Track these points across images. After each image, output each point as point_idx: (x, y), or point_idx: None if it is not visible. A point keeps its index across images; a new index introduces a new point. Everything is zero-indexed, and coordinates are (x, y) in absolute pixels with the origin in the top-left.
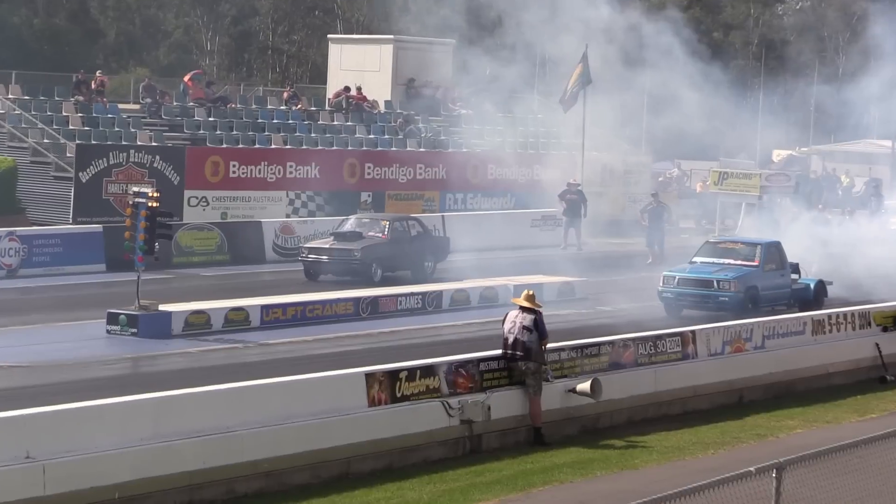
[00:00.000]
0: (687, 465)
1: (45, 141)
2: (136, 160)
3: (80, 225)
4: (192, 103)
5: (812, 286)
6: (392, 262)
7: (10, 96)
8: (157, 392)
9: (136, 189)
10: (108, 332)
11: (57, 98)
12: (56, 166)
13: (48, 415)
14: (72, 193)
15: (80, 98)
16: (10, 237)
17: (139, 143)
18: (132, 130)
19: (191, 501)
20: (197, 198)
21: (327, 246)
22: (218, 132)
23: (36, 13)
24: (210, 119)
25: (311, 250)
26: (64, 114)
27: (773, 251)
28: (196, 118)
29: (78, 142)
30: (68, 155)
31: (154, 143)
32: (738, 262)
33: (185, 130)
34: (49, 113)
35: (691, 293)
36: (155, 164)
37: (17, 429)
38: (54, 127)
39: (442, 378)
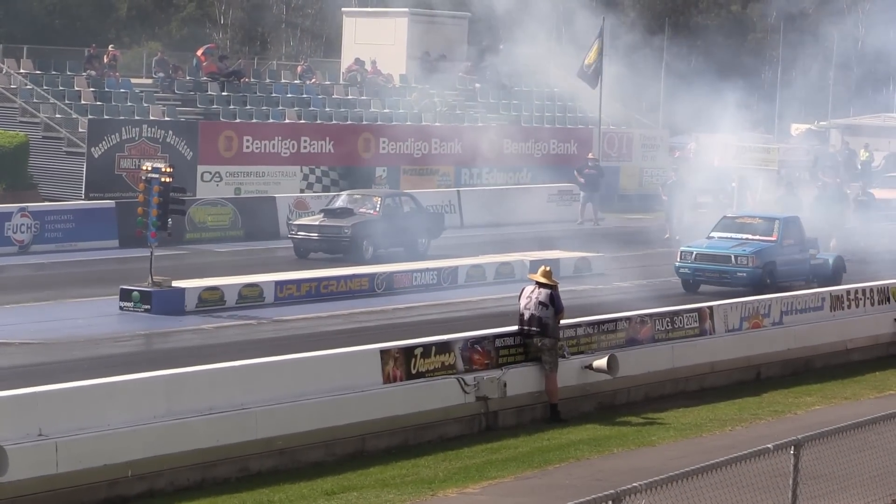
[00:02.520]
0: (704, 442)
1: (58, 116)
2: (149, 135)
3: (92, 201)
4: (205, 77)
5: (831, 262)
6: (384, 238)
7: (21, 71)
8: (170, 369)
9: (148, 164)
10: (121, 308)
11: (69, 73)
12: (68, 141)
13: (61, 392)
14: (84, 169)
15: (93, 72)
16: (22, 213)
17: (152, 117)
18: (145, 105)
19: (204, 479)
20: (210, 173)
21: (317, 223)
22: (231, 107)
23: None
24: (223, 94)
25: (301, 227)
26: (76, 88)
27: (792, 226)
28: (209, 93)
29: (90, 117)
30: (80, 130)
31: (167, 118)
32: (756, 237)
33: (199, 105)
34: (61, 88)
35: (709, 268)
36: (168, 139)
37: (29, 406)
38: (66, 102)
39: (457, 354)
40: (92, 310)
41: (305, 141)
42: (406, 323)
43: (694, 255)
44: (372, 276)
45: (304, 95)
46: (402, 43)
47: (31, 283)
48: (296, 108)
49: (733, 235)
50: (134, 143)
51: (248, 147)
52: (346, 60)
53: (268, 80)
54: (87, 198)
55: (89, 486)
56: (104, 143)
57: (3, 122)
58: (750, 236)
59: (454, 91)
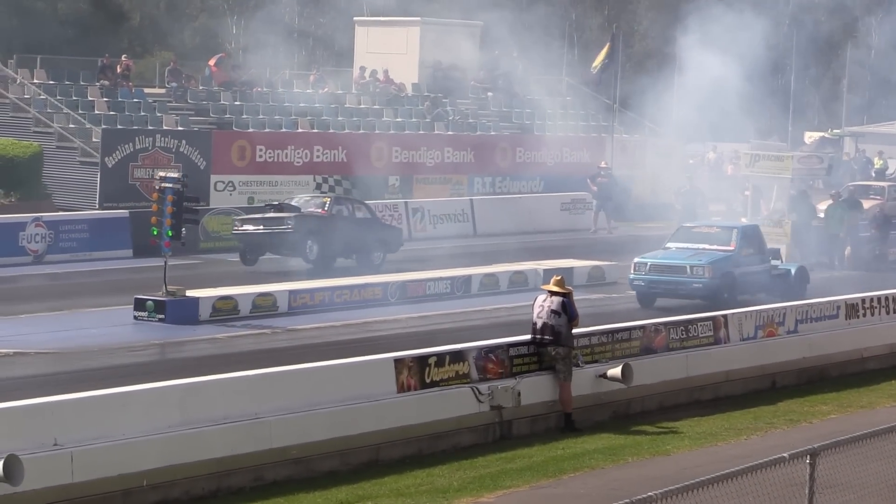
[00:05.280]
0: (719, 451)
1: (71, 126)
2: (163, 145)
3: (106, 210)
4: (217, 87)
5: (793, 272)
6: (332, 241)
7: (35, 81)
8: (185, 378)
9: (162, 174)
10: (135, 318)
11: (82, 83)
12: (82, 151)
13: (75, 402)
14: (98, 179)
15: (106, 83)
16: (36, 223)
17: (165, 127)
18: (158, 115)
19: (219, 489)
20: (224, 182)
21: (261, 216)
22: (244, 116)
23: None
24: (236, 103)
25: (245, 221)
26: (89, 98)
27: (751, 235)
28: (222, 102)
29: (104, 127)
30: (94, 140)
31: (180, 128)
32: (714, 246)
33: (212, 114)
34: (74, 98)
35: (663, 280)
36: (181, 149)
37: (44, 416)
38: (80, 112)
39: (471, 363)
40: (106, 319)
41: (318, 150)
42: (419, 332)
43: (648, 267)
44: (385, 285)
45: (317, 105)
46: (414, 51)
47: (45, 293)
48: (308, 118)
49: (690, 246)
50: (147, 153)
51: (261, 156)
52: (358, 69)
53: (280, 90)
54: (101, 207)
55: (104, 496)
56: (118, 152)
57: (17, 132)
58: (707, 246)
59: (466, 100)
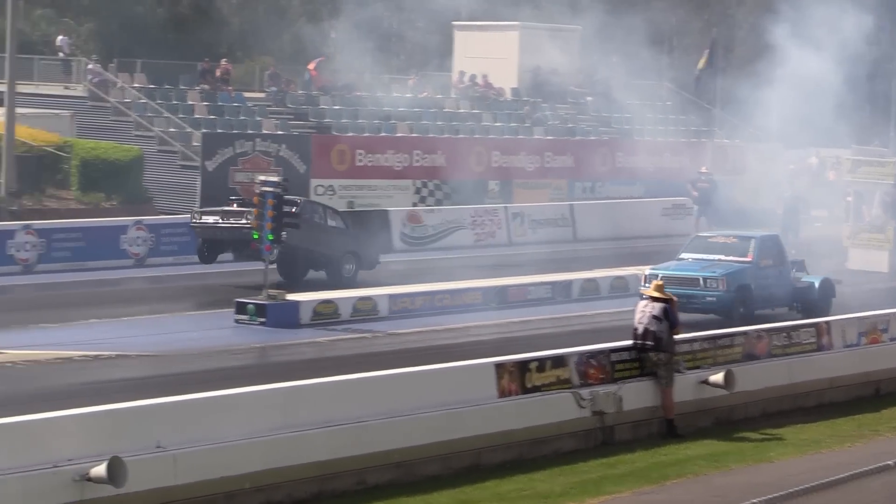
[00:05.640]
0: (823, 458)
1: (171, 130)
2: (262, 149)
3: None
4: (316, 91)
5: (817, 285)
6: (294, 244)
7: (136, 85)
8: (287, 382)
9: (262, 178)
10: (236, 321)
11: (182, 87)
12: (182, 155)
13: (179, 404)
14: (198, 182)
15: (206, 87)
16: (137, 226)
17: (265, 131)
18: (258, 119)
19: (321, 492)
20: (323, 186)
21: (223, 209)
22: (343, 120)
23: (160, 2)
24: (335, 107)
25: (204, 213)
26: (189, 102)
27: (770, 245)
28: (321, 106)
29: (204, 130)
30: (194, 144)
31: (280, 132)
32: (730, 257)
33: (311, 118)
34: (175, 102)
35: (676, 293)
36: (281, 153)
37: (148, 418)
38: (180, 116)
39: (573, 369)
40: (208, 322)
41: (417, 154)
42: (520, 337)
43: (659, 279)
44: (486, 290)
45: (416, 109)
46: (513, 56)
47: (147, 296)
48: (408, 122)
49: (705, 256)
50: (247, 157)
51: (360, 160)
52: (457, 74)
53: (379, 94)
54: None
55: (207, 498)
56: (218, 156)
57: (118, 136)
58: (723, 257)
59: (566, 104)
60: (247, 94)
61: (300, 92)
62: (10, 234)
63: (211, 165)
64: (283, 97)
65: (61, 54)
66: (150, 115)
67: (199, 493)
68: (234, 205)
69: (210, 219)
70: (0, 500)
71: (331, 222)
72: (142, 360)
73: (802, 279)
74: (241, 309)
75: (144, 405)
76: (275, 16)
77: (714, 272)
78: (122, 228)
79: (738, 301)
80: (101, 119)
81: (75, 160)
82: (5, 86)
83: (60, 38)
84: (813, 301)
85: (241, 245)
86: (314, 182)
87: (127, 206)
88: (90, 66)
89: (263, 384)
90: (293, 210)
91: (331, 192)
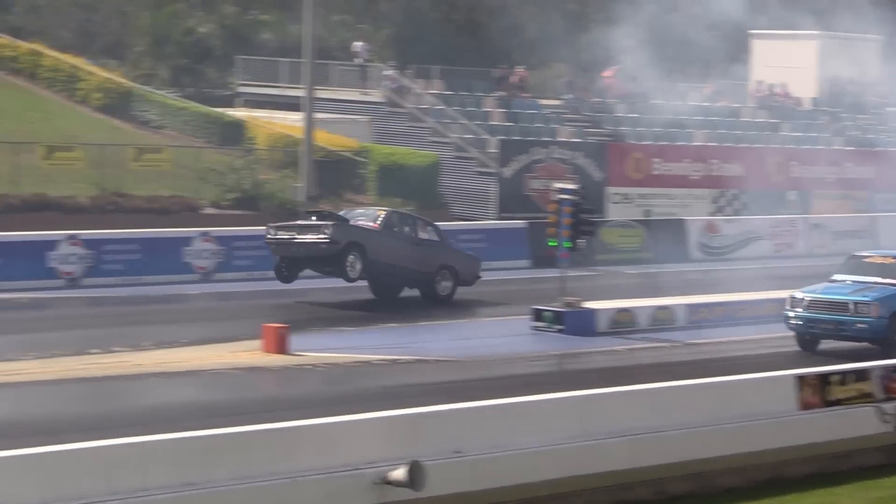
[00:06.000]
0: None
1: (467, 136)
2: (558, 156)
3: (503, 220)
4: (612, 99)
5: None
6: (379, 259)
7: (432, 91)
8: (584, 390)
9: (559, 185)
10: (533, 328)
11: (478, 93)
12: (479, 161)
13: (478, 410)
14: (494, 188)
15: (502, 93)
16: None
17: (560, 139)
18: (553, 126)
19: (619, 501)
20: (619, 195)
21: (298, 223)
22: (639, 128)
23: (456, 8)
24: (631, 115)
25: (279, 228)
26: (485, 109)
27: None
28: (617, 114)
29: (500, 137)
30: (490, 150)
31: (575, 139)
32: (887, 280)
33: (606, 126)
34: (470, 108)
35: (823, 318)
36: (576, 160)
37: (447, 423)
38: (476, 122)
39: (876, 382)
40: (505, 329)
41: (714, 163)
42: (818, 349)
43: (806, 303)
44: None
45: (713, 118)
46: (812, 66)
47: (451, 302)
48: (704, 131)
49: (860, 279)
50: (543, 164)
51: (656, 169)
52: (755, 83)
53: (676, 102)
54: (499, 217)
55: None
56: (514, 163)
57: (414, 141)
58: (880, 280)
59: (866, 115)
60: (542, 102)
61: (595, 99)
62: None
63: (507, 172)
64: (579, 105)
65: (359, 60)
66: (446, 121)
67: (497, 500)
68: (313, 218)
69: (285, 234)
70: (301, 502)
71: (422, 235)
72: (440, 365)
73: None
74: (538, 316)
75: (444, 410)
76: (570, 23)
77: (866, 296)
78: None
79: (893, 329)
80: (397, 124)
81: (373, 165)
82: (304, 91)
83: (358, 44)
84: None
85: (318, 262)
86: (610, 190)
87: (422, 211)
88: (387, 73)
89: (560, 392)
90: (373, 224)
91: (627, 201)
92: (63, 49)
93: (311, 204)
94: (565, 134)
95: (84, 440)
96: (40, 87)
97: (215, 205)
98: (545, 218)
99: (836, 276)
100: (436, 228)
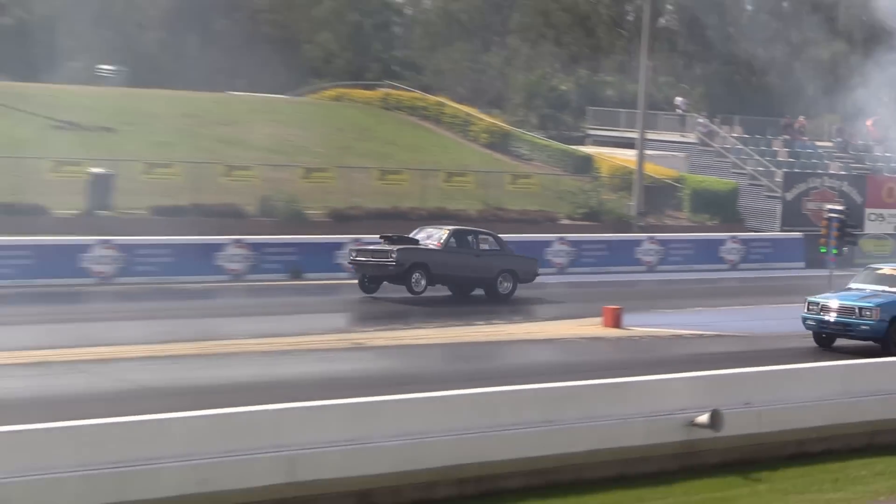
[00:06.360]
0: None
1: (759, 168)
2: (829, 184)
3: (784, 232)
4: (872, 141)
5: None
6: (445, 273)
7: (733, 134)
8: (845, 360)
9: (829, 206)
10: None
11: (768, 136)
12: (767, 188)
13: (762, 373)
14: (778, 208)
15: (787, 136)
16: (732, 240)
17: (831, 171)
18: (825, 161)
19: (872, 444)
20: (875, 214)
21: (371, 247)
22: (892, 164)
23: (753, 72)
24: (886, 154)
25: (359, 252)
26: (773, 148)
27: None
28: (875, 153)
29: (784, 170)
30: (776, 179)
31: (843, 172)
32: (891, 288)
33: (866, 162)
34: (762, 147)
35: (833, 321)
36: (843, 188)
37: (740, 382)
38: (766, 158)
39: None
40: (786, 313)
41: None
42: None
43: (819, 307)
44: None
45: None
46: None
47: (738, 292)
48: None
49: (871, 287)
50: (817, 191)
51: None
52: None
53: None
54: (781, 230)
55: (782, 444)
56: (794, 189)
57: (719, 172)
58: (887, 289)
59: None
60: (818, 143)
61: (860, 142)
62: (637, 242)
63: (789, 196)
64: (846, 146)
65: (679, 111)
66: (743, 157)
67: (775, 440)
68: (385, 244)
69: (362, 257)
70: (630, 436)
71: (483, 246)
72: (734, 339)
73: None
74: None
75: (737, 372)
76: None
77: (870, 302)
78: (721, 241)
79: (893, 330)
80: (706, 159)
81: (687, 190)
82: (637, 133)
83: (679, 99)
84: None
85: (387, 278)
86: (868, 211)
87: (723, 224)
88: (700, 120)
89: (826, 361)
90: (437, 244)
91: (881, 219)
92: (460, 101)
93: (639, 218)
94: (835, 168)
95: (470, 388)
96: (442, 129)
97: (569, 217)
98: (818, 231)
99: (852, 285)
100: (497, 239)
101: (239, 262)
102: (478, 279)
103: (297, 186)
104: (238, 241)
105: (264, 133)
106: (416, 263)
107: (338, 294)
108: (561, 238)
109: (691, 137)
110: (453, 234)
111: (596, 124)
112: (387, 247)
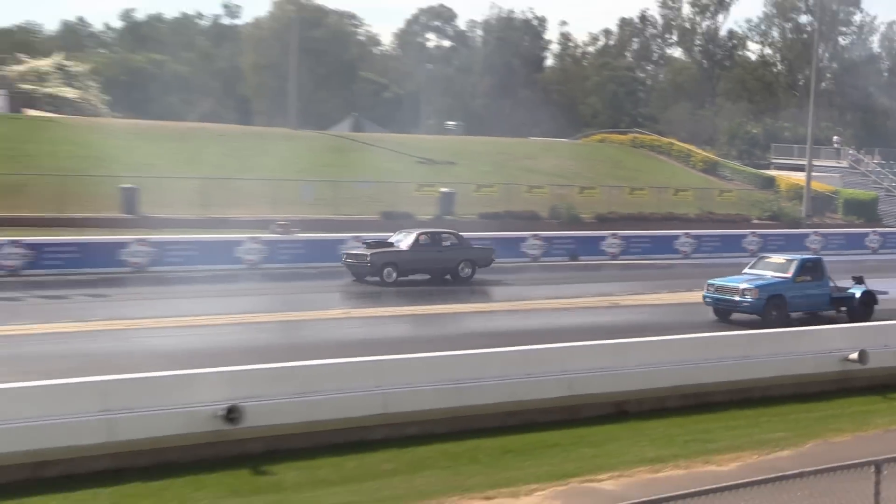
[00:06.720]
0: None
1: (893, 184)
2: None
3: None
4: None
5: (857, 295)
6: (414, 267)
7: (875, 160)
8: None
9: None
10: None
11: (891, 161)
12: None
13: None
14: None
15: None
16: (874, 233)
17: None
18: None
19: None
20: None
21: (355, 252)
22: None
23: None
24: None
25: (348, 255)
26: None
27: (811, 266)
28: None
29: None
30: None
31: None
32: (775, 274)
33: None
34: (895, 170)
35: (723, 298)
36: None
37: (883, 331)
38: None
39: None
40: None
41: None
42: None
43: (714, 288)
44: None
45: None
46: None
47: (877, 268)
48: None
49: (757, 272)
50: None
51: None
52: None
53: None
54: None
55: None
56: None
57: (863, 186)
58: (771, 273)
59: None
60: None
61: None
62: (806, 235)
63: None
64: None
65: (835, 145)
66: (881, 176)
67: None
68: (364, 248)
69: (350, 259)
70: (803, 366)
71: (444, 243)
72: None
73: (847, 291)
74: None
75: (883, 324)
76: None
77: (751, 284)
78: (865, 234)
79: (771, 307)
80: (854, 178)
81: (840, 199)
82: (805, 161)
83: (835, 137)
84: (851, 308)
85: (367, 273)
86: None
87: (867, 223)
88: (850, 151)
89: None
90: (407, 247)
91: None
92: (683, 141)
93: (806, 219)
94: None
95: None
96: (672, 160)
97: (758, 219)
98: None
99: (746, 270)
100: (458, 236)
101: (536, 250)
102: (442, 269)
103: (574, 199)
104: (535, 235)
105: (552, 164)
106: (387, 262)
107: (600, 271)
108: (686, 234)
109: (844, 163)
110: (419, 235)
111: (777, 156)
112: (365, 251)
